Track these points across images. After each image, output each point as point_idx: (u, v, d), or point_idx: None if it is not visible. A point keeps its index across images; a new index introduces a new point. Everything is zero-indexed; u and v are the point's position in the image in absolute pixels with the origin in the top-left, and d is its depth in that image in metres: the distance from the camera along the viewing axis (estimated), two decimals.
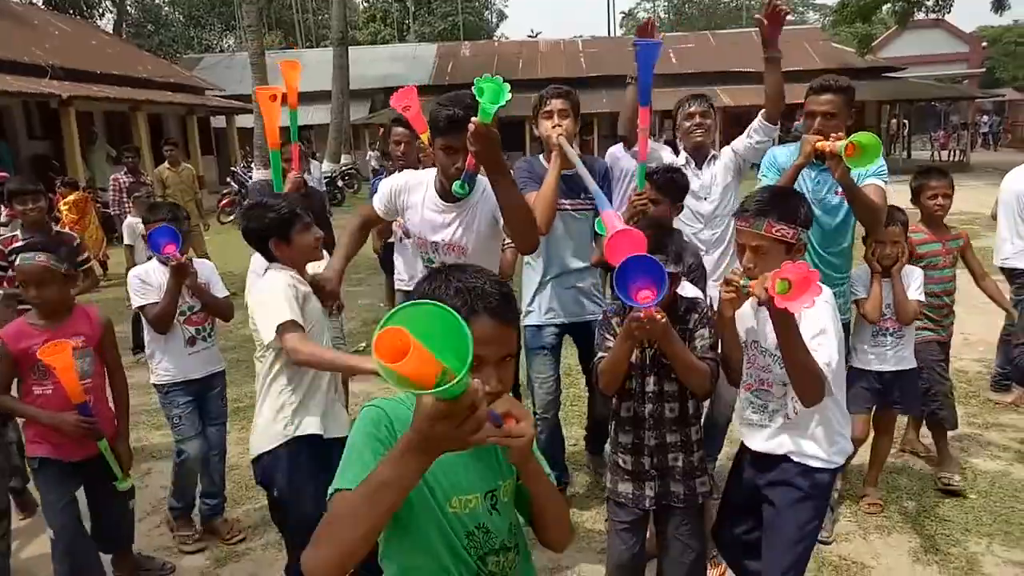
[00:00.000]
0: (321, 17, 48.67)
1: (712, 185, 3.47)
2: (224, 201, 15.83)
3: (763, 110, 3.39)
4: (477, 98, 2.04)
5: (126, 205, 8.25)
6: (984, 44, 38.68)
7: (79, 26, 23.36)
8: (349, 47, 21.08)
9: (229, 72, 27.05)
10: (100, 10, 33.09)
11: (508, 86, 2.05)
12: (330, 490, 1.25)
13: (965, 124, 28.51)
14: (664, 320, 2.01)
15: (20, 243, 3.60)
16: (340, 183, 18.82)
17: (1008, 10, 22.95)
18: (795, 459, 2.22)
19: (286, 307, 2.35)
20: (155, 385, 3.39)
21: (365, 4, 47.24)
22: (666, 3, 57.74)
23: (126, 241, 6.81)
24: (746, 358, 2.31)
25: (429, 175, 2.71)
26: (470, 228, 2.64)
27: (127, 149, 9.19)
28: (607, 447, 2.84)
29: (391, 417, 1.31)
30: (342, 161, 20.46)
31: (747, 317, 2.27)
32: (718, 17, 53.56)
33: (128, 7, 33.43)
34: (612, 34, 49.71)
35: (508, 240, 2.97)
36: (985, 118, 31.88)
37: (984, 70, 37.15)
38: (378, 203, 2.79)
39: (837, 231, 3.21)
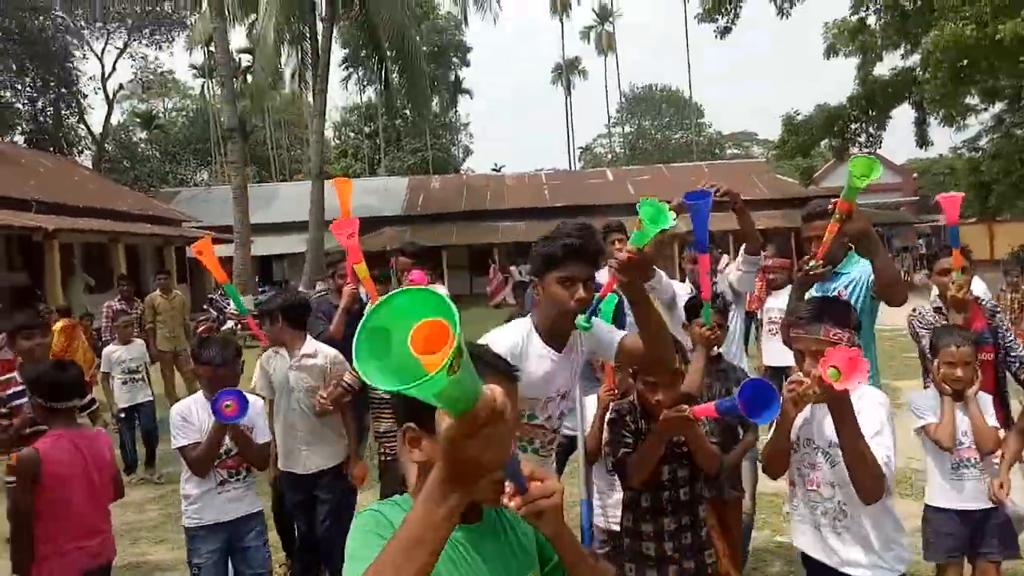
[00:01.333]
0: (293, 152, 50.77)
1: None
2: (202, 328, 16.00)
3: (744, 246, 3.83)
4: (643, 220, 1.93)
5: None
6: (915, 175, 41.86)
7: (61, 163, 24.21)
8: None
9: (207, 205, 27.92)
10: (80, 147, 34.20)
11: (669, 208, 1.94)
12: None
13: (906, 247, 30.47)
14: (690, 416, 2.33)
15: (18, 387, 3.56)
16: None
17: (932, 145, 25.21)
18: (851, 571, 2.21)
19: None
20: (185, 528, 3.30)
21: (337, 141, 49.58)
22: (621, 140, 61.59)
23: (103, 368, 7.11)
24: (795, 457, 2.37)
25: (520, 328, 2.41)
26: (576, 371, 2.48)
27: (122, 279, 9.59)
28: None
29: (389, 520, 1.21)
30: (317, 287, 20.98)
31: (800, 416, 2.32)
32: (670, 151, 57.22)
33: (106, 144, 34.62)
34: (572, 167, 52.65)
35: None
36: (921, 241, 34.16)
37: (917, 198, 39.98)
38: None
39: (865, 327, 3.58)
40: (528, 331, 2.37)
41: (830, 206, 2.93)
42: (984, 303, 3.69)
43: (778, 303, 5.21)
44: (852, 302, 3.32)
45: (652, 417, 2.51)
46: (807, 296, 3.13)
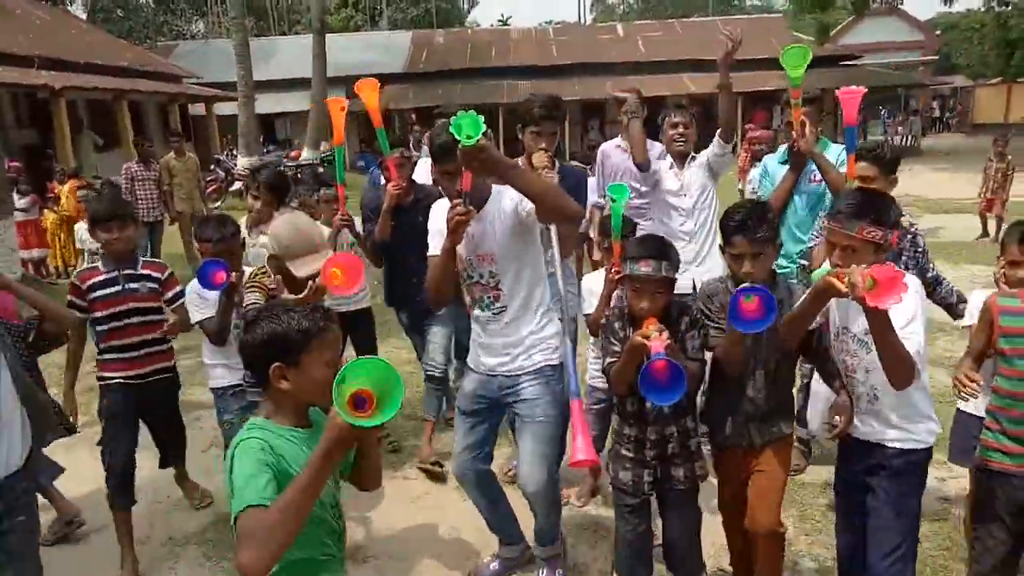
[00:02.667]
0: (291, 2, 48.57)
1: (692, 183, 4.05)
2: (211, 188, 16.39)
3: (719, 130, 3.98)
4: (456, 136, 2.30)
5: (138, 194, 8.97)
6: (938, 32, 40.18)
7: (58, 15, 23.51)
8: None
9: (205, 59, 27.30)
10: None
11: (482, 118, 2.31)
12: (237, 507, 1.49)
13: (916, 111, 29.89)
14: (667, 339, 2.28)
15: (102, 276, 3.33)
16: (320, 169, 19.45)
17: (956, 1, 24.15)
18: (889, 444, 2.36)
19: None
20: (211, 389, 3.62)
21: None
22: None
23: (77, 245, 7.56)
24: (836, 345, 2.47)
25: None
26: (491, 237, 2.70)
27: (138, 139, 9.87)
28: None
29: (270, 444, 1.62)
30: (322, 147, 21.06)
31: (837, 303, 2.39)
32: (684, 5, 54.49)
33: None
34: (583, 21, 50.40)
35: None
36: (935, 103, 33.41)
37: (938, 57, 38.62)
38: (436, 247, 2.77)
39: (811, 212, 3.96)
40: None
41: (795, 96, 3.44)
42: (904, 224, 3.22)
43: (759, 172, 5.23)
44: (821, 186, 3.85)
45: (638, 324, 2.47)
46: (844, 188, 3.13)
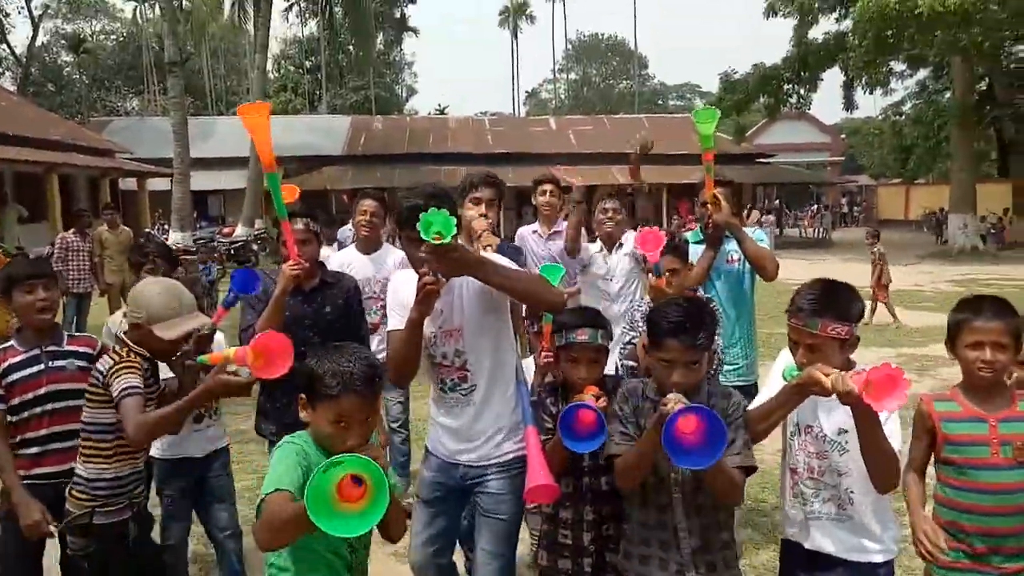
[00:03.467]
0: (231, 82, 49.18)
1: (618, 268, 4.17)
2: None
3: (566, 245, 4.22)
4: (423, 236, 2.06)
5: (71, 264, 8.85)
6: (843, 136, 43.73)
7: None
8: None
9: (139, 135, 27.21)
10: (1, 69, 32.61)
11: (454, 220, 2.09)
12: (268, 488, 1.70)
13: (827, 206, 32.20)
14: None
15: (19, 358, 2.64)
16: (254, 246, 19.43)
17: (857, 109, 26.58)
18: (856, 559, 2.14)
19: None
20: (154, 459, 3.05)
21: (276, 74, 48.21)
22: (566, 87, 61.65)
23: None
24: (795, 444, 2.23)
25: (413, 276, 2.44)
26: (459, 310, 2.47)
27: (80, 211, 9.82)
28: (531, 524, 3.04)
29: (307, 451, 1.80)
30: (256, 225, 21.10)
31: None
32: (614, 101, 57.77)
33: (31, 67, 33.06)
34: (516, 112, 52.69)
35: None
36: (844, 199, 36.15)
37: (844, 158, 41.89)
38: (396, 322, 2.49)
39: (731, 295, 3.72)
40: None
41: (705, 160, 3.41)
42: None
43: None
44: (740, 267, 3.75)
45: (574, 394, 2.36)
46: (770, 261, 3.53)
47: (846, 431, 2.07)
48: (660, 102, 61.55)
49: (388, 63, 51.50)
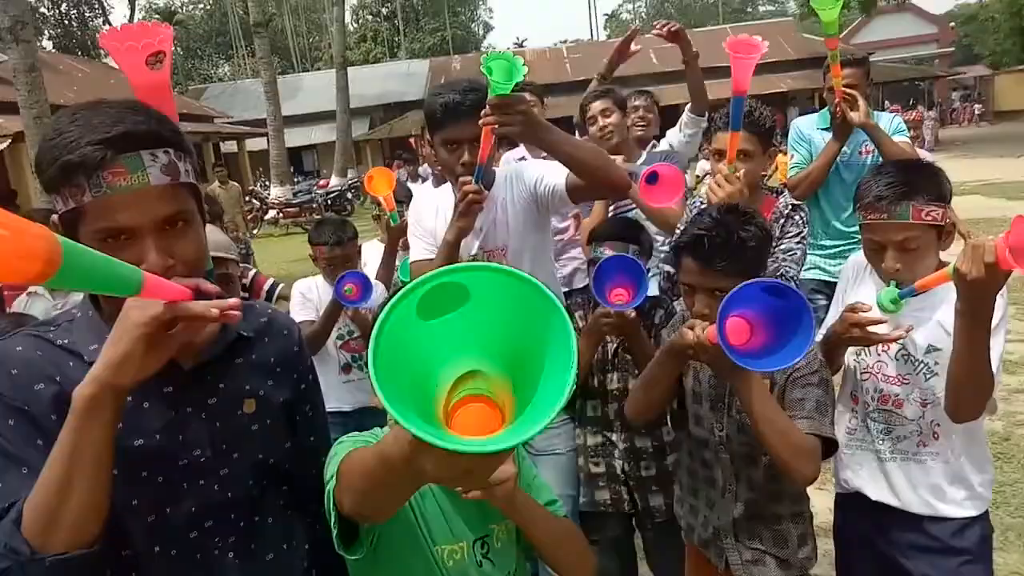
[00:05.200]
0: (312, 39, 50.29)
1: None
2: (249, 217, 17.33)
3: (689, 104, 3.46)
4: (488, 76, 1.71)
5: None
6: (952, 24, 40.19)
7: (97, 68, 24.89)
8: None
9: (233, 99, 28.59)
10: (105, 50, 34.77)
11: (522, 60, 1.73)
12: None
13: (933, 104, 30.03)
14: (634, 316, 1.96)
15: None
16: (349, 195, 20.36)
17: None
18: (941, 512, 1.69)
19: None
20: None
21: (355, 25, 48.89)
22: (645, 5, 59.30)
23: None
24: (862, 364, 1.79)
25: (440, 193, 2.28)
26: (503, 226, 2.13)
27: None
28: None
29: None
30: (348, 175, 22.02)
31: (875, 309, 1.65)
32: (695, 14, 55.14)
33: None
34: (595, 37, 51.32)
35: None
36: (955, 95, 33.48)
37: (953, 49, 38.61)
38: (421, 250, 2.21)
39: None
40: (445, 194, 2.22)
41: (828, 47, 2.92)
42: (781, 199, 2.44)
43: None
44: (874, 159, 3.25)
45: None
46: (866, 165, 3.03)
47: (938, 349, 1.66)
48: (749, 9, 58.26)
49: (463, 1, 51.05)
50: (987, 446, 1.81)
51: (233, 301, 1.00)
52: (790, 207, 2.36)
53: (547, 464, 2.18)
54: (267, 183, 21.25)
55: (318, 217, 13.34)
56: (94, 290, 1.06)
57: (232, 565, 1.13)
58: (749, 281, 1.38)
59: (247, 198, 19.24)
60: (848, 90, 3.06)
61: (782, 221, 2.33)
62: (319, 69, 37.84)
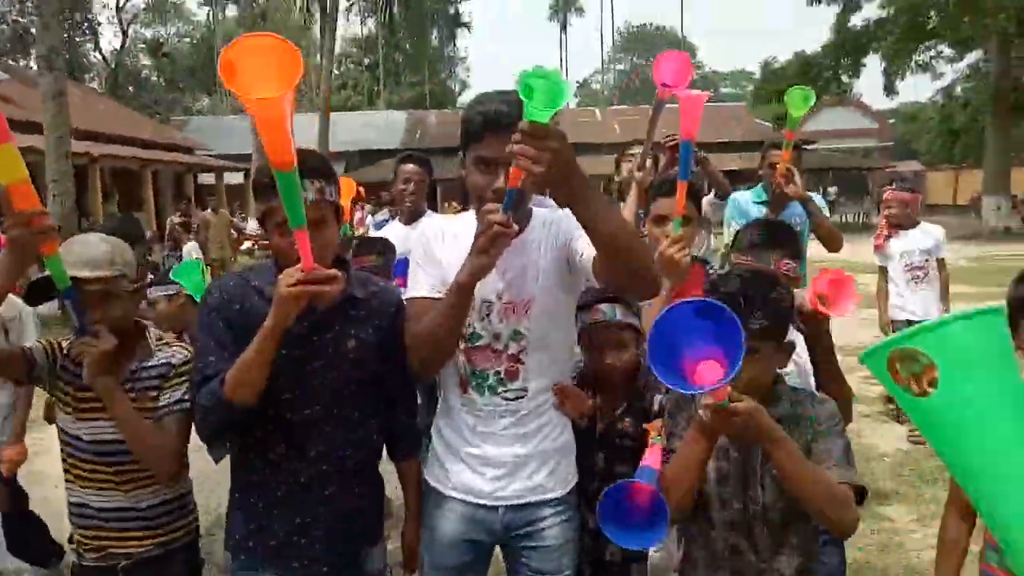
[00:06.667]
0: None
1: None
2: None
3: (713, 191, 3.59)
4: (525, 98, 1.36)
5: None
6: (891, 121, 43.55)
7: (88, 92, 25.84)
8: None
9: (214, 133, 29.67)
10: (92, 73, 35.60)
11: (568, 83, 1.56)
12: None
13: (867, 191, 32.54)
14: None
15: None
16: None
17: (897, 95, 26.99)
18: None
19: None
20: None
21: (336, 71, 50.52)
22: (615, 77, 62.51)
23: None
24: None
25: (463, 221, 1.91)
26: (532, 278, 1.79)
27: (185, 201, 11.91)
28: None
29: None
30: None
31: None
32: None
33: (118, 72, 36.02)
34: (567, 105, 53.76)
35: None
36: (893, 185, 36.13)
37: (891, 143, 41.74)
38: (425, 285, 1.85)
39: None
40: (467, 224, 1.85)
41: (784, 136, 3.26)
42: (709, 267, 2.49)
43: (905, 245, 4.92)
44: (802, 233, 3.51)
45: (602, 384, 2.03)
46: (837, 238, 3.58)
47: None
48: (712, 91, 61.82)
49: (442, 59, 53.33)
50: None
51: (334, 273, 1.54)
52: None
53: None
54: (245, 216, 22.21)
55: None
56: (286, 202, 1.47)
57: (325, 431, 1.79)
58: (672, 304, 1.44)
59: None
60: (790, 167, 3.32)
61: None
62: (298, 112, 39.04)
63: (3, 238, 2.83)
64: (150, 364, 1.95)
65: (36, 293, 1.92)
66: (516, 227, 1.59)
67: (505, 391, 1.79)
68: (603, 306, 1.98)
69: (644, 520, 1.58)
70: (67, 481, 1.99)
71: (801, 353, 1.97)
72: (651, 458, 1.67)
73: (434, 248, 1.87)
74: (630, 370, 2.01)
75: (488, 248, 1.56)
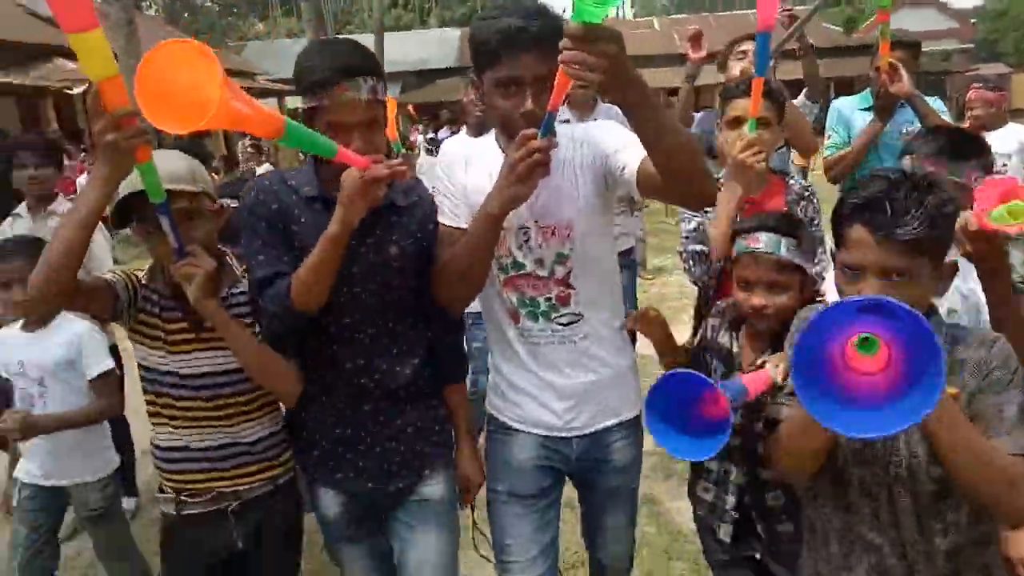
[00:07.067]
0: (343, 3, 51.10)
1: None
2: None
3: (805, 89, 3.51)
4: (578, 7, 1.17)
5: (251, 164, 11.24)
6: (973, 21, 40.66)
7: (150, 20, 26.26)
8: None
9: (273, 57, 29.89)
10: (147, 2, 35.98)
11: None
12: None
13: (950, 97, 30.91)
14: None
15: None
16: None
17: None
18: None
19: None
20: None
21: None
22: None
23: None
24: None
25: (484, 144, 1.81)
26: (570, 199, 1.69)
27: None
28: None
29: None
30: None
31: None
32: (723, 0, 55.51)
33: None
34: (623, 15, 51.88)
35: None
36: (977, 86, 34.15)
37: (972, 46, 39.12)
38: (449, 213, 1.78)
39: None
40: (493, 146, 1.76)
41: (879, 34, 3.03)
42: (792, 181, 2.28)
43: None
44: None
45: (743, 328, 1.79)
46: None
47: (954, 311, 1.71)
48: None
49: None
50: None
51: (397, 161, 1.50)
52: (808, 190, 2.24)
53: (621, 498, 1.95)
54: None
55: None
56: (306, 149, 1.52)
57: (365, 343, 1.75)
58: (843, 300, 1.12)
59: None
60: (893, 62, 2.97)
61: (803, 203, 2.19)
62: (351, 33, 38.90)
63: (66, 182, 2.44)
64: (237, 291, 1.84)
65: (124, 214, 1.72)
66: (556, 142, 1.49)
67: (559, 316, 1.73)
68: (762, 235, 1.69)
69: (698, 431, 1.42)
70: (158, 425, 1.85)
71: (974, 286, 1.63)
72: (749, 377, 1.48)
73: (456, 173, 1.80)
74: (781, 318, 1.65)
75: (526, 176, 1.45)
